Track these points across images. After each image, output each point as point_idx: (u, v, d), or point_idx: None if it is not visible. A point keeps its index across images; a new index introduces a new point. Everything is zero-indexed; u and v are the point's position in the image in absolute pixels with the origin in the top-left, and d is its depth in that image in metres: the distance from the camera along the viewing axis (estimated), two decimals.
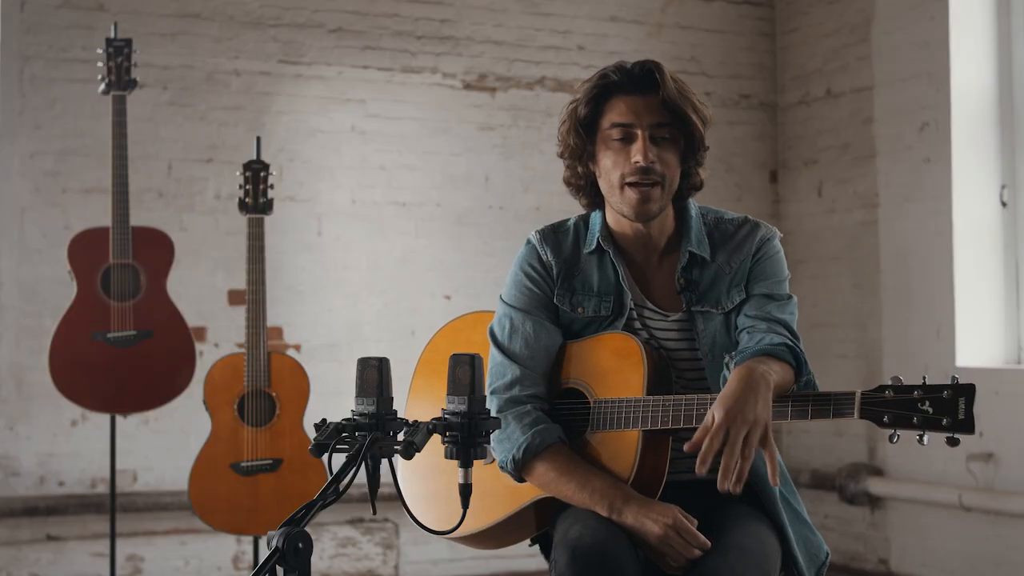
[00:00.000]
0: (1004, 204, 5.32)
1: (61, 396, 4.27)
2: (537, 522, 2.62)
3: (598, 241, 2.63)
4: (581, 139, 2.60)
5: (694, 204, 2.69)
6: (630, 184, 2.54)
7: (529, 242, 2.69)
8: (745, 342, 2.51)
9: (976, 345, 5.25)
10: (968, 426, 2.21)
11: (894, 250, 5.61)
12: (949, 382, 2.25)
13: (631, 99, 2.55)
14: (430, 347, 2.84)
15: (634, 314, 2.60)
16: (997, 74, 5.33)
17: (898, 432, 2.26)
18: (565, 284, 2.64)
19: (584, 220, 2.71)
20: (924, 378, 2.27)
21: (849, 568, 5.73)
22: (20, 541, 5.04)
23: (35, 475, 5.08)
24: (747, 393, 2.29)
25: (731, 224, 2.66)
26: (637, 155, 2.51)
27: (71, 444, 5.12)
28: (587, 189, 2.66)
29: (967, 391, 2.22)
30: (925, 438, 2.24)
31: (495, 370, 2.61)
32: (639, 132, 2.53)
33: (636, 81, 2.56)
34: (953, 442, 2.21)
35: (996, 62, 5.34)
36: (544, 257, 2.65)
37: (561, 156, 2.67)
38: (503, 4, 5.87)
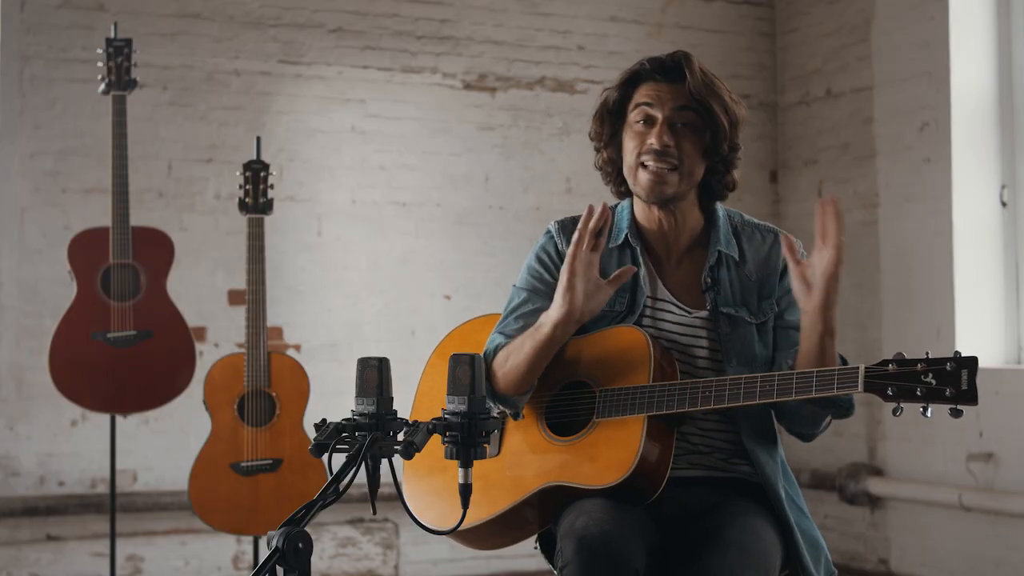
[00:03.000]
0: (1004, 204, 5.32)
1: (61, 396, 4.27)
2: (540, 519, 2.61)
3: (626, 237, 2.65)
4: (608, 125, 2.65)
5: (722, 207, 2.72)
6: (644, 165, 2.58)
7: (548, 232, 2.72)
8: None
9: (976, 345, 5.25)
10: (971, 396, 2.24)
11: (894, 250, 5.61)
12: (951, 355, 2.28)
13: (657, 85, 2.60)
14: (439, 350, 2.84)
15: (647, 312, 2.61)
16: (997, 74, 5.33)
17: (902, 405, 2.29)
18: None
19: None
20: (927, 352, 2.30)
21: (849, 568, 5.73)
22: (20, 541, 5.04)
23: (35, 475, 5.08)
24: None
25: (757, 230, 2.71)
26: (652, 137, 2.56)
27: (71, 444, 5.12)
28: (615, 176, 2.70)
29: (970, 363, 2.25)
30: (929, 410, 2.27)
31: (486, 346, 2.63)
32: (659, 116, 2.57)
33: (665, 69, 2.60)
34: (956, 413, 2.24)
35: (996, 62, 5.34)
36: (561, 247, 2.67)
37: (594, 144, 2.72)
38: (503, 4, 5.87)
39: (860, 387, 2.30)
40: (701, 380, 2.45)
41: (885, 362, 2.31)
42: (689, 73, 2.56)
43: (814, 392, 2.34)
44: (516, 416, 2.60)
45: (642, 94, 2.60)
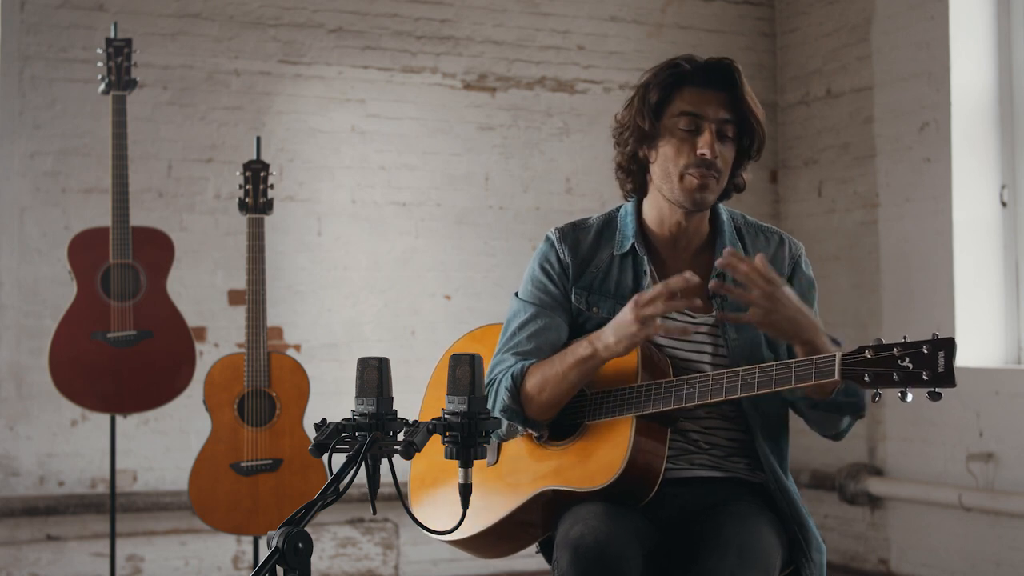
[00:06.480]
0: (1004, 204, 5.32)
1: (61, 396, 4.27)
2: (541, 524, 2.61)
3: (632, 245, 2.62)
4: (648, 123, 2.57)
5: (724, 209, 2.69)
6: (691, 174, 2.53)
7: (548, 239, 2.68)
8: None
9: (976, 345, 5.25)
10: (948, 379, 2.20)
11: (894, 250, 5.61)
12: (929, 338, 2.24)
13: (703, 91, 2.55)
14: (441, 367, 2.83)
15: None
16: (997, 74, 5.34)
17: (879, 391, 2.26)
18: (581, 283, 2.63)
19: (609, 220, 2.70)
20: (904, 336, 2.27)
21: (849, 568, 5.73)
22: (20, 541, 5.04)
23: (35, 475, 5.08)
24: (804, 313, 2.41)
25: (761, 232, 2.69)
26: (704, 147, 2.52)
27: (71, 444, 5.12)
28: (637, 174, 2.64)
29: (946, 345, 2.21)
30: (908, 395, 2.23)
31: (494, 364, 2.61)
32: (707, 125, 2.53)
33: (709, 75, 2.56)
34: (935, 396, 2.20)
35: (996, 62, 5.34)
36: (562, 256, 2.65)
37: (619, 138, 2.64)
38: (503, 4, 5.87)
39: (837, 375, 2.27)
40: (685, 377, 2.44)
41: (861, 348, 2.27)
42: (740, 84, 2.53)
43: (793, 382, 2.33)
44: (541, 437, 2.58)
45: (687, 100, 2.54)
